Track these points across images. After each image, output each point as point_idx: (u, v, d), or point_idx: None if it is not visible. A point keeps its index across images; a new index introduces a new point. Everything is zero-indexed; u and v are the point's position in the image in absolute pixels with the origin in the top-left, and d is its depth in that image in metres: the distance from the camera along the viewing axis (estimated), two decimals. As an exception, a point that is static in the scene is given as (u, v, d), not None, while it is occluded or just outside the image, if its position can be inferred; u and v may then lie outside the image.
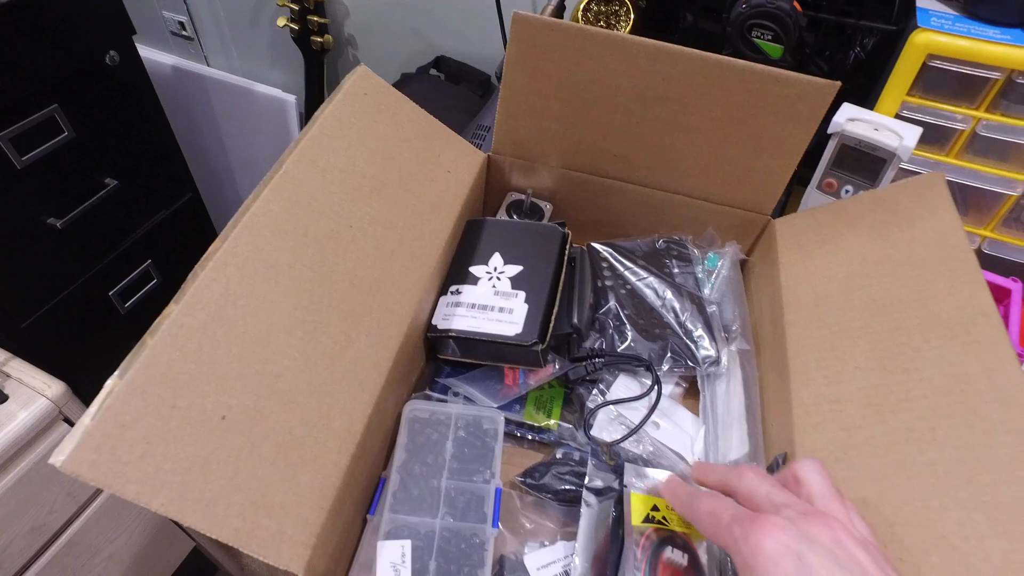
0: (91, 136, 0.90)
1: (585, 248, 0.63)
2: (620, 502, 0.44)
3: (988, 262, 0.75)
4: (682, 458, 0.52)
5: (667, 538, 0.41)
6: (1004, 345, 0.39)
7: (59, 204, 0.88)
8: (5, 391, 0.66)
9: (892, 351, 0.44)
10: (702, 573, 0.39)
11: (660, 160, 0.61)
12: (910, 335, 0.44)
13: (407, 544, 0.43)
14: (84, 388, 0.71)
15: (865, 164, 0.60)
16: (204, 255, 0.37)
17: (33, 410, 0.65)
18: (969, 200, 0.73)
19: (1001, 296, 0.68)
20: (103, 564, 0.82)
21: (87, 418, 0.29)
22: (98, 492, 0.77)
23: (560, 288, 0.55)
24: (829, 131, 0.60)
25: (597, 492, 0.47)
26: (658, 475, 0.44)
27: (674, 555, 0.40)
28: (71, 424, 0.70)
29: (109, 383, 0.31)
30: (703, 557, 0.40)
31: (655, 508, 0.42)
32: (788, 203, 0.74)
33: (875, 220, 0.53)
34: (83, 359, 0.96)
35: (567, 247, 0.58)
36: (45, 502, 0.70)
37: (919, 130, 0.58)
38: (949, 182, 0.51)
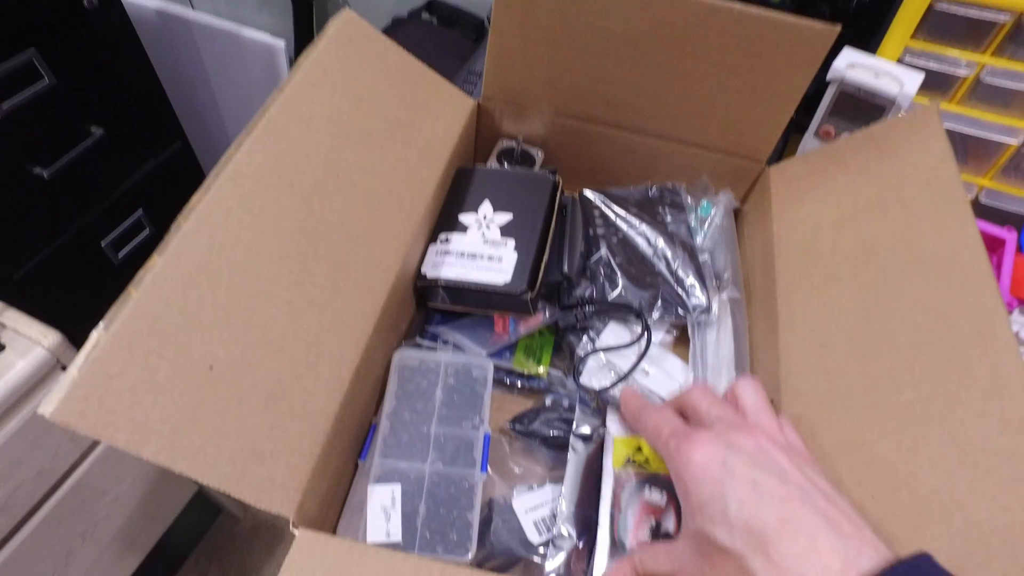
0: (73, 83, 0.88)
1: (577, 196, 0.63)
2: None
3: (984, 212, 0.74)
4: (669, 405, 0.52)
5: (647, 478, 0.42)
6: (986, 278, 0.39)
7: (44, 153, 0.87)
8: (2, 341, 0.67)
9: (877, 294, 0.44)
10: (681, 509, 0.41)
11: (654, 106, 0.59)
12: (896, 277, 0.44)
13: (397, 488, 0.44)
14: (81, 339, 0.72)
15: (864, 111, 0.59)
16: (186, 206, 0.36)
17: (31, 360, 0.66)
18: (969, 149, 0.72)
19: (995, 246, 0.68)
20: (110, 505, 0.85)
21: (74, 369, 0.29)
22: (100, 439, 0.79)
23: (551, 236, 0.54)
24: (828, 77, 0.59)
25: (585, 438, 0.48)
26: None
27: (652, 494, 0.41)
28: (69, 373, 0.71)
29: (94, 334, 0.31)
30: None
31: (638, 450, 0.43)
32: (785, 151, 0.73)
33: (866, 160, 0.52)
34: (79, 310, 0.96)
35: (558, 195, 0.57)
36: (49, 448, 0.72)
37: (921, 76, 0.57)
38: (949, 131, 0.50)
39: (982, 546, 0.32)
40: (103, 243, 0.99)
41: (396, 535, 0.42)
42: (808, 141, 0.64)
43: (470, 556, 0.42)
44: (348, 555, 0.35)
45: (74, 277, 0.98)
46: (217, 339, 0.35)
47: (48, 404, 0.28)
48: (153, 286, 0.33)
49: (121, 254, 1.02)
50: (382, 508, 0.43)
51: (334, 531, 0.44)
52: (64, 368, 0.70)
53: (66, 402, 0.29)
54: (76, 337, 0.70)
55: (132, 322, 0.32)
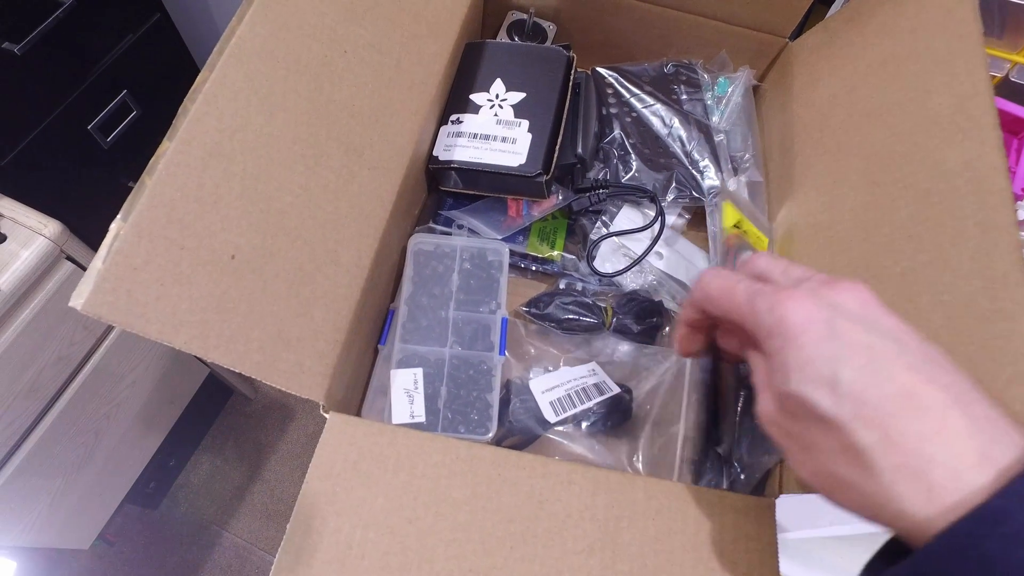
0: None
1: (590, 73, 0.60)
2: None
3: (1014, 91, 0.71)
4: (684, 287, 0.53)
5: (747, 244, 0.49)
6: (989, 129, 0.37)
7: (12, 27, 0.81)
8: (2, 231, 0.65)
9: (884, 162, 0.43)
10: None
11: (674, -28, 0.55)
12: (902, 140, 0.43)
13: (419, 371, 0.45)
14: (79, 225, 0.71)
15: (899, -25, 0.55)
16: (192, 87, 0.34)
17: (35, 249, 0.65)
18: (1008, 19, 0.67)
19: (1017, 128, 0.66)
20: (129, 388, 0.88)
21: (98, 261, 0.29)
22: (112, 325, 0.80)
23: (564, 116, 0.52)
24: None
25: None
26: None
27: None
28: (74, 262, 0.70)
29: (114, 226, 0.30)
30: None
31: (736, 225, 0.51)
32: (806, 24, 0.68)
33: (884, 16, 0.49)
34: (72, 198, 0.94)
35: (572, 72, 0.55)
36: (64, 335, 0.73)
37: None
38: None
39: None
40: (89, 127, 0.95)
41: (420, 416, 0.44)
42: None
43: (491, 435, 0.44)
44: (378, 436, 0.37)
45: (63, 163, 0.95)
46: (235, 228, 0.34)
47: (78, 297, 0.28)
48: (166, 173, 0.32)
49: (110, 138, 0.98)
50: (405, 391, 0.44)
51: (358, 414, 0.46)
52: (69, 257, 0.70)
53: (95, 294, 0.28)
54: (73, 225, 0.69)
55: (150, 212, 0.31)
